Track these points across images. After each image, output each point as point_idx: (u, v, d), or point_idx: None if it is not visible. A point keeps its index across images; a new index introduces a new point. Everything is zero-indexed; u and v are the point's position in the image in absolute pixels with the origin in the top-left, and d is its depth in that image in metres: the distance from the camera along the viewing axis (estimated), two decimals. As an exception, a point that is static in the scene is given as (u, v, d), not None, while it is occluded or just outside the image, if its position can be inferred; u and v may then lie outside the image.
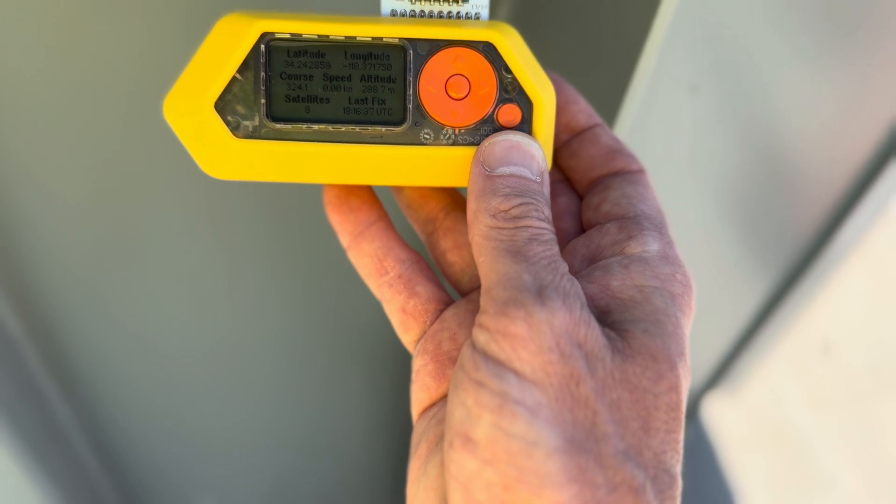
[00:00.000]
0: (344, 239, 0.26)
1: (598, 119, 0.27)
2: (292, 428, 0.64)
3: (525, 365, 0.19)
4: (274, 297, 0.51)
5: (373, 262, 0.26)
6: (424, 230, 0.28)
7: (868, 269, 1.13)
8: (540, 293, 0.20)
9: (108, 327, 0.49)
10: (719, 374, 0.90)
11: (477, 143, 0.23)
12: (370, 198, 0.27)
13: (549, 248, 0.21)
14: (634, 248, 0.23)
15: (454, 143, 0.23)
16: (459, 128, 0.23)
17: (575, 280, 0.21)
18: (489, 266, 0.21)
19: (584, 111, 0.27)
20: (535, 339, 0.19)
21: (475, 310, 0.24)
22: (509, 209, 0.22)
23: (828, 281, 0.71)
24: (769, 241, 0.65)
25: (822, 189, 0.59)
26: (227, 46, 0.22)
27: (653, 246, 0.23)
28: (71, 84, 0.35)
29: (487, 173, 0.22)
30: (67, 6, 0.32)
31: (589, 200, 0.25)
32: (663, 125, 0.40)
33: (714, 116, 0.43)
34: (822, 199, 0.60)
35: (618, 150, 0.26)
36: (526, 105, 0.23)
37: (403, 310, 0.26)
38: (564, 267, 0.21)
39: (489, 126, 0.23)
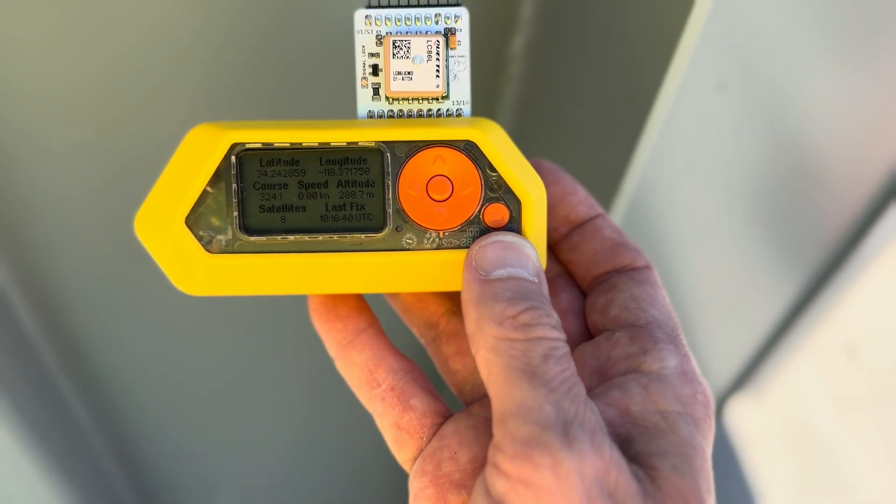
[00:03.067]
0: (331, 348, 0.25)
1: (598, 209, 0.25)
2: (311, 428, 0.64)
3: None
4: (295, 298, 0.50)
5: (363, 374, 0.24)
6: (424, 335, 0.26)
7: (894, 272, 1.11)
8: (566, 432, 0.18)
9: (125, 327, 0.49)
10: (744, 376, 0.90)
11: (464, 246, 0.22)
12: (359, 304, 0.25)
13: (566, 366, 0.19)
14: (651, 364, 0.21)
15: (439, 247, 0.22)
16: (444, 230, 0.22)
17: (594, 406, 0.19)
18: (502, 389, 0.19)
19: (584, 202, 0.25)
20: (564, 491, 0.17)
21: (478, 425, 0.23)
22: (517, 315, 0.20)
23: (854, 283, 0.71)
24: (795, 243, 0.64)
25: (849, 191, 0.58)
26: (197, 159, 0.22)
27: (670, 361, 0.21)
28: (90, 94, 0.35)
29: (483, 278, 0.21)
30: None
31: (594, 301, 0.24)
32: (692, 123, 0.40)
33: (742, 115, 0.42)
34: (849, 200, 0.59)
35: (622, 244, 0.24)
36: (514, 203, 0.22)
37: (398, 425, 0.24)
38: (583, 390, 0.19)
39: (475, 227, 0.22)
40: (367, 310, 0.25)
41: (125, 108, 0.36)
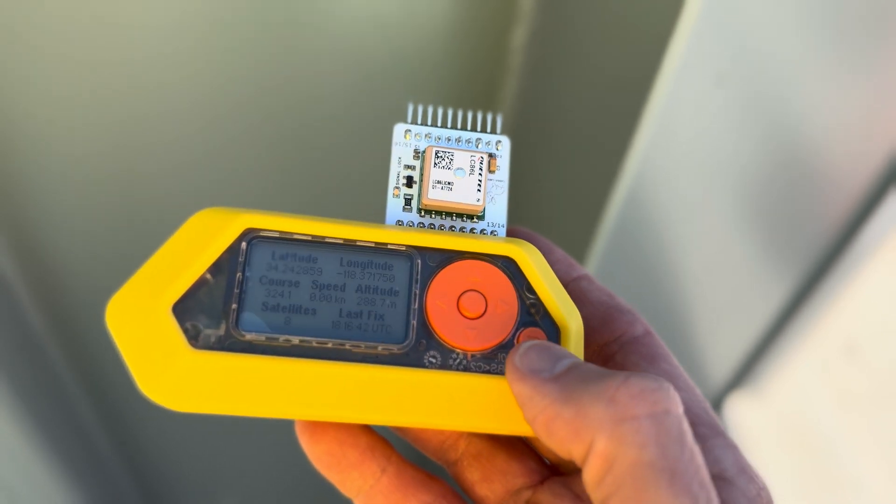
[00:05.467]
0: (350, 494, 0.22)
1: (580, 270, 0.23)
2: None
3: None
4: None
5: None
6: (441, 458, 0.23)
7: (894, 267, 1.12)
8: None
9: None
10: (743, 374, 0.90)
11: (493, 373, 0.20)
12: (370, 441, 0.21)
13: (699, 454, 0.16)
14: (709, 466, 0.19)
15: (465, 370, 0.20)
16: (473, 353, 0.20)
17: None
18: (631, 498, 0.15)
19: (562, 261, 0.23)
20: None
21: None
22: (627, 382, 0.16)
23: (853, 279, 0.71)
24: (793, 238, 0.64)
25: (847, 185, 0.58)
26: (201, 241, 0.19)
27: (727, 459, 0.19)
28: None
29: (550, 376, 0.18)
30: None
31: None
32: (690, 115, 0.40)
33: (740, 106, 0.42)
34: (847, 195, 0.59)
35: (614, 308, 0.22)
36: (551, 331, 0.20)
37: None
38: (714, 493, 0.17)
39: (508, 353, 0.20)
40: (381, 443, 0.22)
41: (131, 108, 0.36)
